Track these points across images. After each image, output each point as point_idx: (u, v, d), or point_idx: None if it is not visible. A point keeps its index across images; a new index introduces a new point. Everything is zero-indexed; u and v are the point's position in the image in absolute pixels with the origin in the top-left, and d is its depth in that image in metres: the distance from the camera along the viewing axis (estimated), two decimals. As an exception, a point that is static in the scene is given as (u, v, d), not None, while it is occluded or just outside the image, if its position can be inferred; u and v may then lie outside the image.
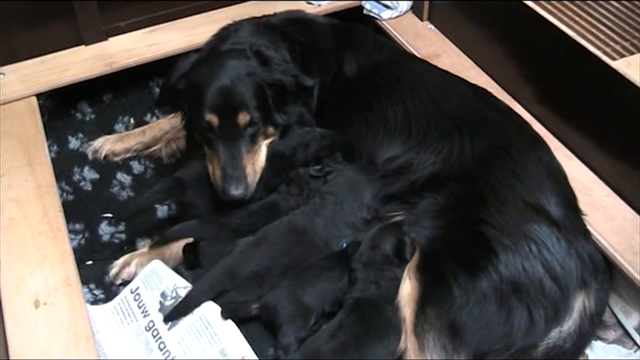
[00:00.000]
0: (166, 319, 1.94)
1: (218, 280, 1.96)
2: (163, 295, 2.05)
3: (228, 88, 2.12)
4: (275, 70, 2.20)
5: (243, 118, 2.11)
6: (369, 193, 2.14)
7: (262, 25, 2.45)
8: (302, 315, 1.92)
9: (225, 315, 1.92)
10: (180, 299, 2.01)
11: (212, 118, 2.11)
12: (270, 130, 2.24)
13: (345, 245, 2.07)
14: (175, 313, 1.94)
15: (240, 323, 1.94)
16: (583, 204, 2.06)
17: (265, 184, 2.22)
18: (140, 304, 2.05)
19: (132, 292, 2.09)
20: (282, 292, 1.95)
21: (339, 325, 1.85)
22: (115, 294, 2.14)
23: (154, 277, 2.10)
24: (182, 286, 2.05)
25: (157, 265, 2.12)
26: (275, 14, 2.60)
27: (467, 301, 1.76)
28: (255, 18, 2.55)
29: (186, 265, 2.16)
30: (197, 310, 1.94)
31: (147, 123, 2.82)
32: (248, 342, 1.90)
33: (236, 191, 2.07)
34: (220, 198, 2.11)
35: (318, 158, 2.26)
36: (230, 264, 1.97)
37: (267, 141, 2.25)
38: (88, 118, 2.87)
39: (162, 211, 2.46)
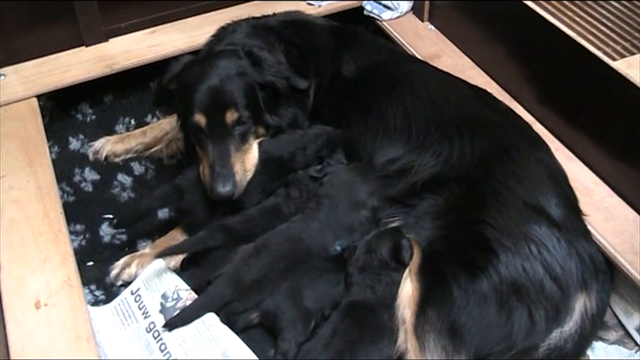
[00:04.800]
0: (166, 327, 1.94)
1: (221, 292, 1.95)
2: (164, 296, 2.05)
3: (217, 87, 2.13)
4: (267, 71, 2.20)
5: (231, 116, 2.12)
6: (365, 193, 2.13)
7: (259, 26, 2.46)
8: (302, 319, 1.92)
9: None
10: (181, 301, 2.01)
11: (201, 117, 2.11)
12: (261, 130, 2.25)
13: (339, 248, 2.07)
14: (175, 322, 1.93)
15: (242, 332, 1.95)
16: (584, 204, 2.06)
17: (263, 188, 2.22)
18: (141, 306, 2.05)
19: (132, 294, 2.10)
20: (281, 297, 1.95)
21: (333, 331, 1.85)
22: (116, 295, 2.14)
23: (155, 278, 2.10)
24: (184, 288, 2.06)
25: (158, 266, 2.12)
26: (274, 15, 2.60)
27: (467, 302, 1.75)
28: (253, 18, 2.56)
29: (182, 267, 2.16)
30: (198, 312, 1.95)
31: (147, 124, 2.83)
32: (249, 343, 1.91)
33: (223, 189, 2.07)
34: (210, 197, 2.11)
35: (321, 158, 2.26)
36: (232, 274, 1.97)
37: (258, 141, 2.25)
38: (88, 119, 2.88)
39: (162, 212, 2.46)
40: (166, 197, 2.22)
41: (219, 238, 2.06)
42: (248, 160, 2.19)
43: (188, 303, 2.00)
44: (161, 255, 2.07)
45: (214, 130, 2.12)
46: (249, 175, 2.19)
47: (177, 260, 2.18)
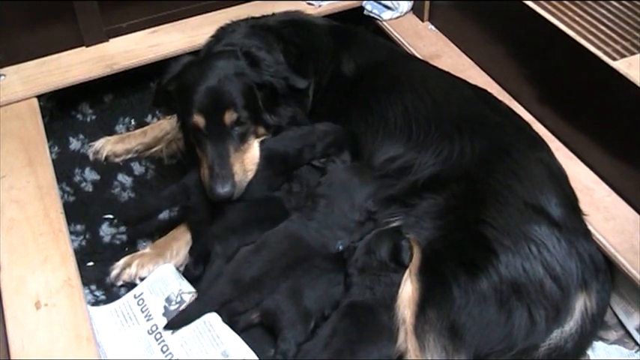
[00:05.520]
0: (167, 328, 1.94)
1: (221, 291, 1.95)
2: (168, 299, 2.06)
3: (215, 87, 2.13)
4: (265, 71, 2.20)
5: (229, 116, 2.12)
6: (362, 195, 2.12)
7: (258, 26, 2.46)
8: (302, 319, 1.92)
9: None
10: (184, 304, 2.01)
11: (199, 118, 2.11)
12: (261, 130, 2.25)
13: (341, 247, 2.07)
14: (177, 323, 1.94)
15: (242, 332, 1.95)
16: (584, 204, 2.06)
17: (268, 185, 2.22)
18: (143, 309, 2.06)
19: (135, 297, 2.10)
20: (281, 297, 1.95)
21: (332, 331, 1.85)
22: (116, 295, 2.15)
23: (160, 282, 2.10)
24: (187, 291, 2.06)
25: (163, 270, 2.13)
26: (273, 15, 2.60)
27: (467, 302, 1.75)
28: (252, 18, 2.56)
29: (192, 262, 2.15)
30: (199, 312, 1.96)
31: (148, 124, 2.83)
32: (249, 343, 1.91)
33: (222, 189, 2.07)
34: (209, 198, 2.11)
35: (327, 156, 2.26)
36: (232, 272, 1.97)
37: (259, 140, 2.25)
38: (88, 119, 2.88)
39: (163, 212, 2.45)
40: (174, 197, 2.21)
41: (233, 243, 2.06)
42: (248, 160, 2.19)
43: (191, 305, 2.01)
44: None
45: (213, 131, 2.12)
46: (250, 175, 2.19)
47: (177, 260, 2.19)
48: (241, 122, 2.15)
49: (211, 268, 2.05)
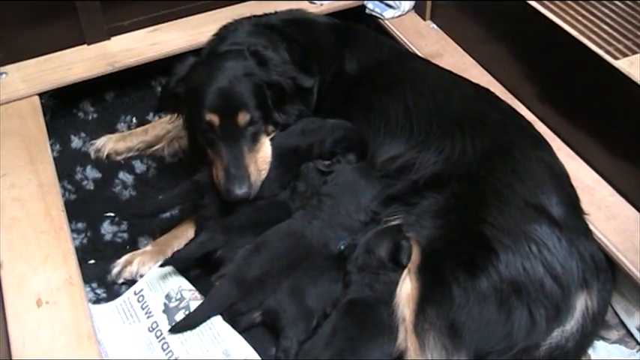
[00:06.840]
0: (172, 331, 1.94)
1: (227, 293, 1.95)
2: (168, 296, 2.06)
3: (227, 88, 2.12)
4: (273, 71, 2.20)
5: (243, 117, 2.12)
6: (367, 196, 2.13)
7: (262, 24, 2.46)
8: (304, 318, 1.92)
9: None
10: (184, 301, 2.01)
11: (212, 120, 2.11)
12: (270, 128, 2.25)
13: (342, 246, 2.07)
14: (182, 326, 1.94)
15: (244, 331, 1.95)
16: (585, 203, 2.05)
17: (280, 181, 2.22)
18: (144, 306, 2.06)
19: (135, 294, 2.10)
20: (283, 296, 1.95)
21: (332, 330, 1.84)
22: (118, 293, 2.15)
23: (159, 279, 2.10)
24: (187, 289, 2.06)
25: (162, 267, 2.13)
26: (276, 13, 2.60)
27: (467, 301, 1.75)
28: (255, 17, 2.56)
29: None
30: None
31: (149, 122, 2.83)
32: (250, 341, 1.91)
33: (240, 191, 2.07)
34: (225, 199, 2.11)
35: (333, 154, 2.25)
36: (235, 273, 1.97)
37: (269, 137, 2.25)
38: (90, 118, 2.88)
39: (162, 210, 2.46)
40: (186, 194, 2.21)
41: (219, 241, 2.06)
42: (261, 159, 2.19)
43: (191, 303, 2.01)
44: (165, 264, 2.07)
45: (226, 132, 2.12)
46: (264, 174, 2.19)
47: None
48: (254, 122, 2.15)
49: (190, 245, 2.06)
